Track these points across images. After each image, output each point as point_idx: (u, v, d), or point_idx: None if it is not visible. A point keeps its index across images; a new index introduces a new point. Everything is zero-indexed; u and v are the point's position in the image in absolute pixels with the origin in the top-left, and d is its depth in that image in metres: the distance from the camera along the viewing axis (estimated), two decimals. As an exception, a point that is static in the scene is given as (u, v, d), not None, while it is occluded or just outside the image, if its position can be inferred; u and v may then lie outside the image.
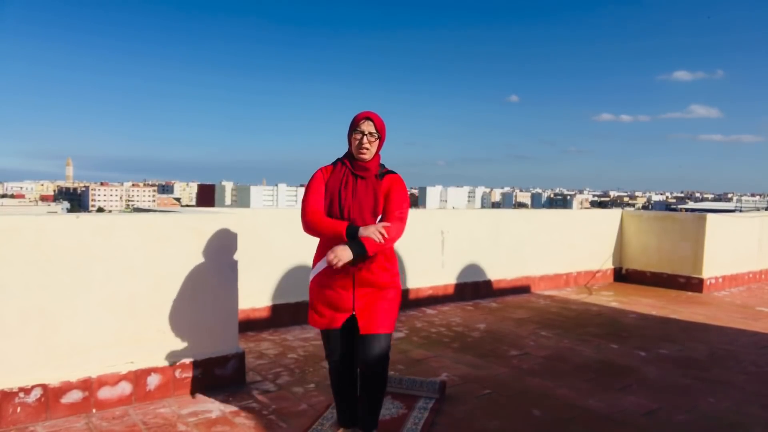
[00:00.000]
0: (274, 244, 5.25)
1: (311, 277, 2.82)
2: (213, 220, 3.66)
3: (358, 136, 2.70)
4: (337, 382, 2.90)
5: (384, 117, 2.78)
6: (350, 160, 2.77)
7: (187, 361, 3.59)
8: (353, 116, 2.75)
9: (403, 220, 2.73)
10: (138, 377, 3.41)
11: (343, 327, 2.77)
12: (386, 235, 2.59)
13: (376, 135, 2.71)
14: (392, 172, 2.82)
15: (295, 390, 3.74)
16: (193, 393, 3.59)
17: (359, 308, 2.71)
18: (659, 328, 5.70)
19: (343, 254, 2.53)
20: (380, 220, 2.71)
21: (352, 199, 2.69)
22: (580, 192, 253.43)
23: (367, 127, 2.69)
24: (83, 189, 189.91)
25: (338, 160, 2.82)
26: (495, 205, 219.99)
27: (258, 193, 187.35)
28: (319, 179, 2.78)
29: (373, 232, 2.58)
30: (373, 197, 2.70)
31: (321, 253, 2.76)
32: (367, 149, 2.70)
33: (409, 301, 6.23)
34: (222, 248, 3.67)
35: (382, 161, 2.82)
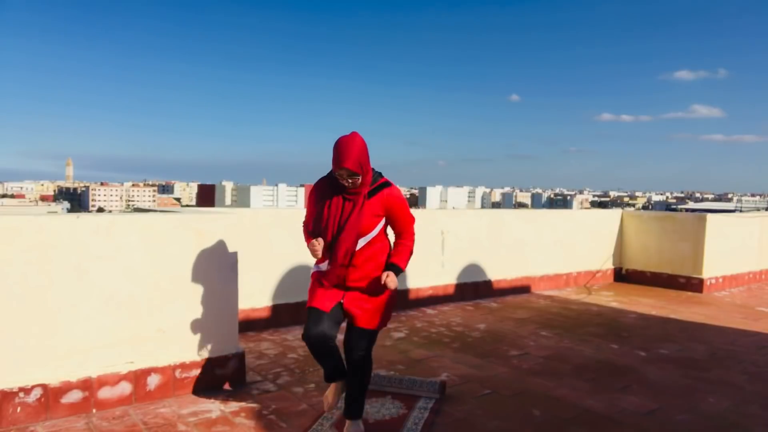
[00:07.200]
0: (274, 244, 5.25)
1: (312, 270, 2.95)
2: (213, 220, 3.66)
3: (341, 179, 2.68)
4: (316, 353, 2.87)
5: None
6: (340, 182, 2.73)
7: (187, 361, 3.59)
8: (335, 142, 2.64)
9: (413, 234, 2.93)
10: (138, 377, 3.41)
11: (329, 310, 2.80)
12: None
13: (357, 174, 2.65)
14: (385, 185, 2.79)
15: (295, 390, 3.74)
16: (193, 393, 3.59)
17: (348, 301, 2.82)
18: (659, 328, 5.71)
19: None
20: (375, 235, 2.79)
21: (340, 221, 2.72)
22: (580, 192, 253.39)
23: (346, 173, 2.63)
24: (83, 189, 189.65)
25: (332, 174, 2.76)
26: (495, 205, 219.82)
27: (258, 193, 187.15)
28: (312, 197, 2.86)
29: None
30: (360, 218, 2.71)
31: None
32: (354, 186, 2.69)
33: (409, 301, 6.23)
34: (222, 248, 3.68)
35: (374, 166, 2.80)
